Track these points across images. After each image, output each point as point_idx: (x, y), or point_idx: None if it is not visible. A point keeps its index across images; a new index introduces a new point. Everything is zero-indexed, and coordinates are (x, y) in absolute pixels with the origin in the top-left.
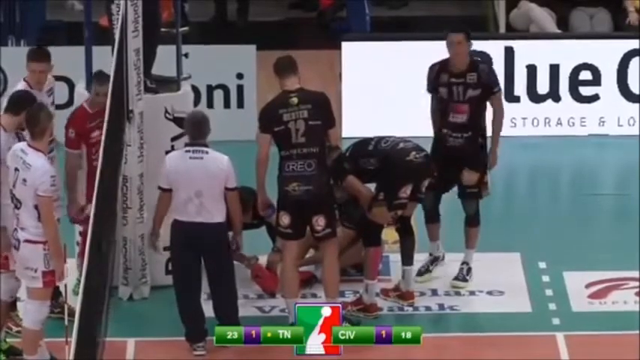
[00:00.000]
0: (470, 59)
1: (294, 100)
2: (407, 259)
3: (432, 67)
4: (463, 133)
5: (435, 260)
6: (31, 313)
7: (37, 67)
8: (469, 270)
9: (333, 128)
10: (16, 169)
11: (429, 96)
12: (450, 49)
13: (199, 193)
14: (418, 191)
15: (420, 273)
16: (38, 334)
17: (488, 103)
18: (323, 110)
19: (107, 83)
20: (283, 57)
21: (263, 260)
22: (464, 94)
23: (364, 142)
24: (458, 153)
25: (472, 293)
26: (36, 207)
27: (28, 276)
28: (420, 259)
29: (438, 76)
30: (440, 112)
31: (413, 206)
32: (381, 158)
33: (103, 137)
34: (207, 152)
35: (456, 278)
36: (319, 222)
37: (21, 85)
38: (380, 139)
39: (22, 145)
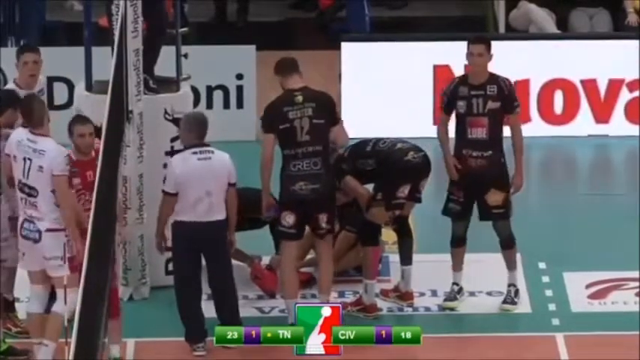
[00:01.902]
0: (489, 72)
1: (299, 98)
2: (405, 259)
3: (452, 81)
4: (483, 152)
5: (460, 290)
6: (60, 300)
7: (31, 57)
8: (517, 292)
9: (336, 126)
10: (27, 159)
11: (428, 96)
12: (470, 61)
13: (209, 193)
14: (416, 191)
15: (449, 299)
16: (62, 322)
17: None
18: (326, 109)
19: (89, 122)
20: (285, 58)
21: (265, 261)
22: (484, 107)
23: (362, 143)
24: (481, 174)
25: (472, 294)
26: (53, 191)
27: (54, 265)
28: (419, 259)
29: (457, 90)
30: (457, 133)
31: (410, 206)
32: (379, 159)
33: (102, 138)
34: (212, 152)
35: (505, 301)
36: (324, 219)
37: (10, 87)
38: (378, 140)
39: (26, 134)
